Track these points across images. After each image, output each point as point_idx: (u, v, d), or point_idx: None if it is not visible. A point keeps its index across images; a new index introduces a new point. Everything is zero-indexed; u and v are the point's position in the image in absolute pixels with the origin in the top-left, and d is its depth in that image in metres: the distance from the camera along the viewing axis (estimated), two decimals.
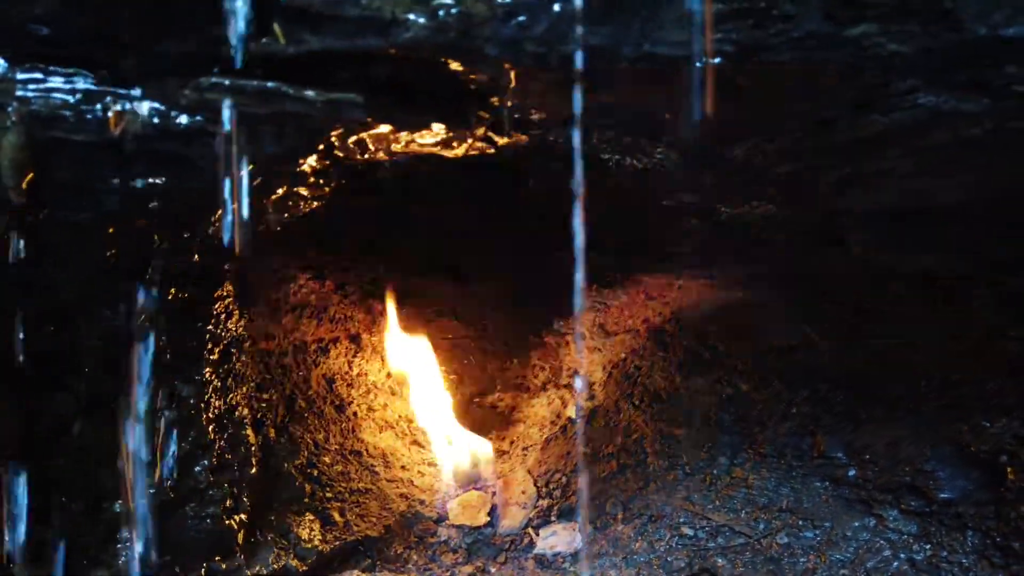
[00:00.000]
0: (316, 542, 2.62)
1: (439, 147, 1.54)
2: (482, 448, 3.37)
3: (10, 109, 1.16)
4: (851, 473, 2.58)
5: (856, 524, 2.42)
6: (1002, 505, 2.28)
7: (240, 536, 2.26)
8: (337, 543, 2.70)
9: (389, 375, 3.68)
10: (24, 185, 1.22)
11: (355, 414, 3.35)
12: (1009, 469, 2.30)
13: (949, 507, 2.34)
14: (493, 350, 3.88)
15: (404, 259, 3.29)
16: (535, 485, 3.26)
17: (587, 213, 3.10)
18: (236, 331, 2.24)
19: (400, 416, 3.59)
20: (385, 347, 3.63)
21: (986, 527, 2.25)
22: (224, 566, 2.17)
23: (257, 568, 2.30)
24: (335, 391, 3.31)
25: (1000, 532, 2.23)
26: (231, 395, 2.28)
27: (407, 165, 1.89)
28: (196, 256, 1.73)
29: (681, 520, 2.66)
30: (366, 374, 3.55)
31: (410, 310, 3.77)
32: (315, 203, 1.68)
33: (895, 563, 2.30)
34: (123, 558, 1.91)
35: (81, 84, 1.19)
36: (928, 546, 2.28)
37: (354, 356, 3.52)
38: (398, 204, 2.52)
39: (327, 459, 3.00)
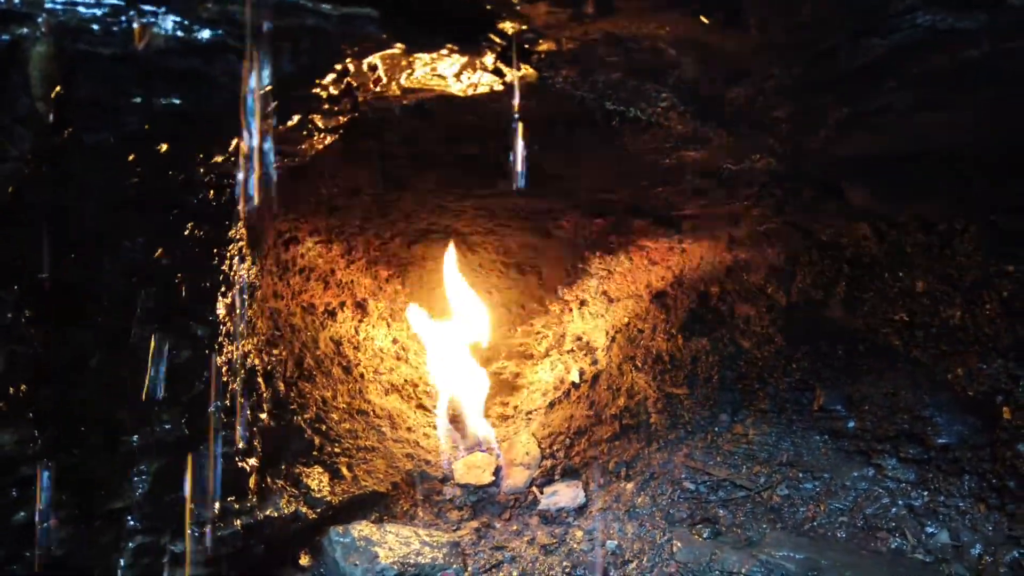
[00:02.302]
0: (325, 493, 2.67)
1: (451, 79, 1.58)
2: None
3: (39, 20, 1.20)
4: (850, 425, 2.61)
5: (855, 474, 2.45)
6: (997, 446, 2.31)
7: (252, 480, 2.30)
8: (346, 496, 2.75)
9: (395, 340, 3.72)
10: (52, 97, 1.26)
11: (362, 376, 3.40)
12: (1005, 409, 2.33)
13: (946, 452, 2.38)
14: (497, 318, 3.92)
15: (409, 223, 3.33)
16: (539, 447, 3.31)
17: (592, 176, 3.11)
18: (248, 277, 2.28)
19: (406, 380, 3.64)
20: (391, 313, 3.68)
21: (982, 470, 2.29)
22: (237, 506, 2.21)
23: (269, 511, 2.34)
24: (342, 353, 3.36)
25: (995, 473, 2.27)
26: (242, 342, 2.32)
27: (416, 110, 1.93)
28: (212, 191, 1.77)
29: (683, 476, 2.70)
30: (372, 339, 3.60)
31: (414, 278, 3.82)
32: (328, 138, 1.72)
33: (893, 509, 2.33)
34: (139, 491, 1.96)
35: None
36: (926, 492, 2.32)
37: (360, 321, 3.57)
38: (405, 162, 2.56)
39: (335, 416, 3.05)
